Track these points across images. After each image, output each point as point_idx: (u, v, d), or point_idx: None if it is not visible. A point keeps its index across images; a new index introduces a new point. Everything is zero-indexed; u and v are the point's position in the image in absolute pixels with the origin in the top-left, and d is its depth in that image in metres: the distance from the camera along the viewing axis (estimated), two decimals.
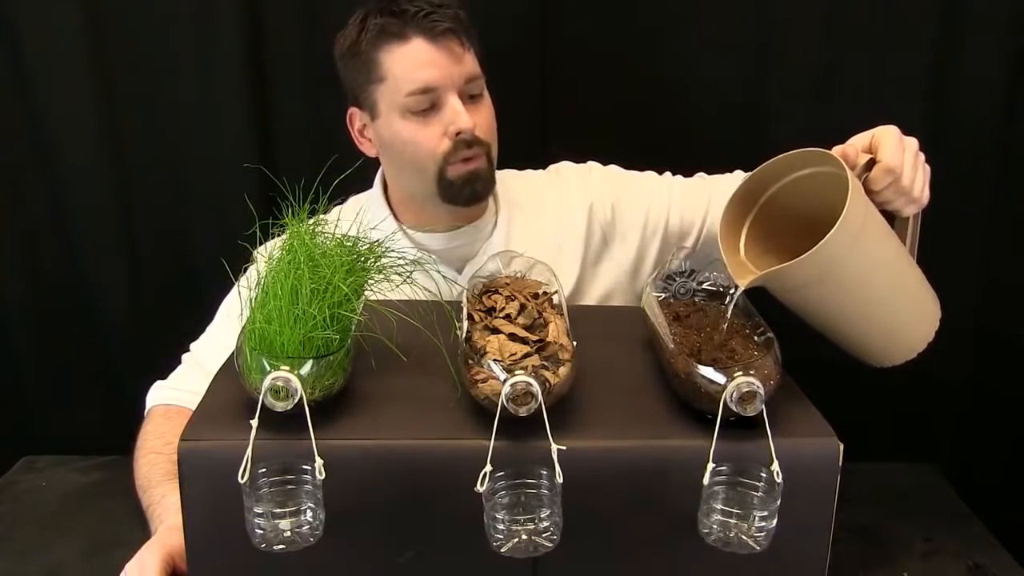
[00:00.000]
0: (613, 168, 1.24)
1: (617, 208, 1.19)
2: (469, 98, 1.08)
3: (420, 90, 1.04)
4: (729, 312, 0.83)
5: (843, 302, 0.87)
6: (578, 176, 1.22)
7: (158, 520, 0.96)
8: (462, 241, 1.16)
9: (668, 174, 1.24)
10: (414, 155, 1.08)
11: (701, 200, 1.18)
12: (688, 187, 1.21)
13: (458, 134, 1.06)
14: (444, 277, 0.96)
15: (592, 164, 1.25)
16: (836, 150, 0.87)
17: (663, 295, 0.92)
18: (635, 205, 1.19)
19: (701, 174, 1.24)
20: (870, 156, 0.88)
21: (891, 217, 0.93)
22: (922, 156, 0.91)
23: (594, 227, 1.18)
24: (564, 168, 1.25)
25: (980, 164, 1.42)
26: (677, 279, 0.93)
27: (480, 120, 1.08)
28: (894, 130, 0.89)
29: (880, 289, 0.89)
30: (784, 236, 0.87)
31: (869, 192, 0.88)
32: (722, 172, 1.23)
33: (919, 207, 0.93)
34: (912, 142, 0.90)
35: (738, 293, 0.84)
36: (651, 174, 1.23)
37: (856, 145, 0.89)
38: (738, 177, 1.18)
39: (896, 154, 0.87)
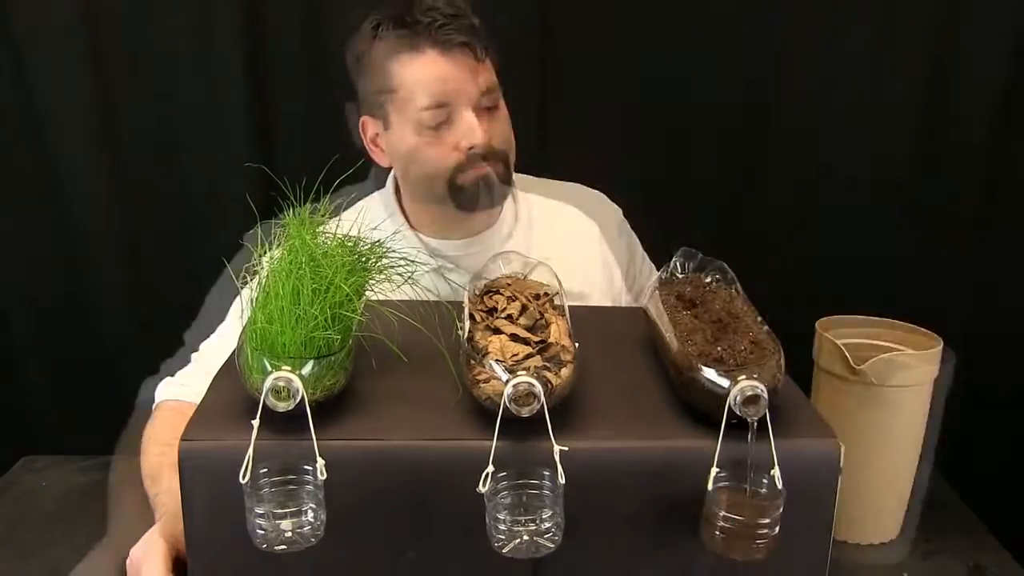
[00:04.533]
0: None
1: (616, 243, 1.21)
2: (485, 109, 1.06)
3: (434, 104, 1.03)
4: None
5: None
6: (590, 200, 1.23)
7: (163, 508, 0.95)
8: (477, 248, 1.14)
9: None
10: (423, 168, 1.07)
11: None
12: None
13: (470, 148, 1.04)
14: (451, 284, 0.96)
15: (600, 194, 1.25)
16: None
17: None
18: (624, 250, 1.22)
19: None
20: None
21: None
22: None
23: (606, 252, 1.20)
24: (579, 191, 1.24)
25: (978, 165, 1.42)
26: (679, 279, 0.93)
27: (496, 131, 1.06)
28: None
29: None
30: None
31: None
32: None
33: None
34: None
35: None
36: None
37: None
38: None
39: None
